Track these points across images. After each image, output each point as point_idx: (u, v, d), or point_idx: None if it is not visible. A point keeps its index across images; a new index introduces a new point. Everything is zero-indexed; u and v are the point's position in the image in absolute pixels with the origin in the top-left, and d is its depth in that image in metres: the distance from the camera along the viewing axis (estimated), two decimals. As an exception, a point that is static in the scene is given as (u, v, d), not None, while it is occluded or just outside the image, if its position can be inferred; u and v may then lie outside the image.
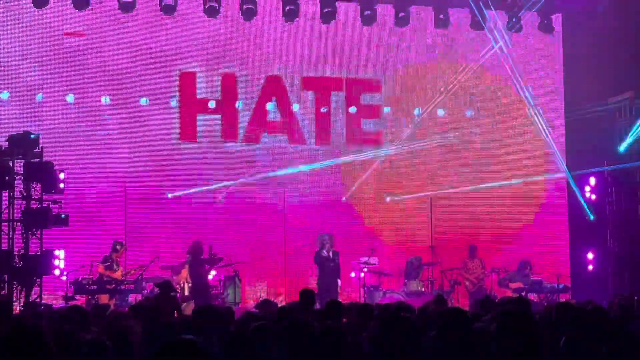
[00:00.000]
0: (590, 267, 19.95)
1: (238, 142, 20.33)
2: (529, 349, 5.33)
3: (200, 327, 7.73)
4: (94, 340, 5.33)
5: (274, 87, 20.53)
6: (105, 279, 17.24)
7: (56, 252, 16.17)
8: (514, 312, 5.83)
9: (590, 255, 20.09)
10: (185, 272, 17.99)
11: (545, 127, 21.07)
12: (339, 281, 18.28)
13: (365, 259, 18.86)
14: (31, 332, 3.96)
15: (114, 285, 17.05)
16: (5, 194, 16.16)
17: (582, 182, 20.50)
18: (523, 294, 17.75)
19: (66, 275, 16.90)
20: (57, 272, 16.42)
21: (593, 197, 20.37)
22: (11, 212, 16.21)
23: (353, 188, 20.70)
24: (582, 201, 20.49)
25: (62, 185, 16.35)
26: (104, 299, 16.81)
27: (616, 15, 19.46)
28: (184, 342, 3.38)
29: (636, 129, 19.91)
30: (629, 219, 20.37)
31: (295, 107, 20.61)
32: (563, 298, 17.35)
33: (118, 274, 17.50)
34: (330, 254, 18.30)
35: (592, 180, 20.33)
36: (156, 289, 16.42)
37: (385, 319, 6.26)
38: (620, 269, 20.09)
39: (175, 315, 12.01)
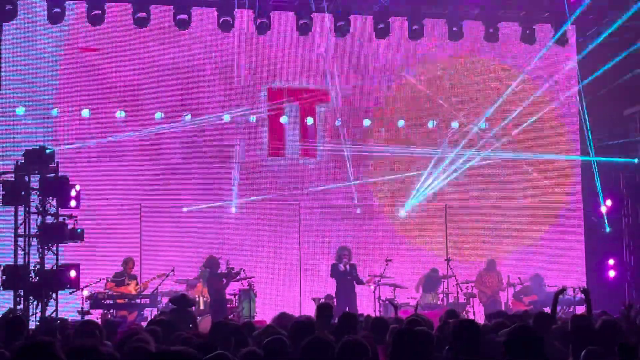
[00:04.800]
0: (612, 272, 19.83)
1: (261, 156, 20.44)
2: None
3: (217, 342, 7.72)
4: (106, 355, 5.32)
5: (288, 100, 20.59)
6: (115, 294, 17.27)
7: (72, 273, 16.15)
8: (523, 327, 5.83)
9: (611, 269, 19.97)
10: (200, 286, 18.02)
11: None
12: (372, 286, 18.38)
13: (380, 271, 18.82)
14: (44, 347, 3.96)
15: (126, 300, 17.08)
16: (21, 208, 16.24)
17: (597, 193, 20.43)
18: (537, 306, 17.70)
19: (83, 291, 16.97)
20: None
21: (608, 202, 20.25)
22: (27, 227, 16.27)
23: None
24: (603, 213, 20.43)
25: (77, 199, 16.39)
26: (123, 313, 16.85)
27: (630, 26, 19.40)
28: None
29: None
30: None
31: (310, 121, 20.64)
32: (579, 310, 17.26)
33: (130, 289, 17.51)
34: (347, 267, 18.32)
35: (607, 192, 20.25)
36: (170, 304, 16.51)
37: (399, 333, 6.25)
38: (636, 281, 19.99)
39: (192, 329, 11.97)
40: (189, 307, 13.27)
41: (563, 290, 10.73)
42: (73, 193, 16.28)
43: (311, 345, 6.35)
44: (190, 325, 12.09)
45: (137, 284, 17.77)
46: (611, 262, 20.01)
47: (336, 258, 18.54)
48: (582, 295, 18.14)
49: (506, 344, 5.36)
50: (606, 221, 20.45)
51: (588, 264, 21.05)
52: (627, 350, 5.99)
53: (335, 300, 18.03)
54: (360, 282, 18.43)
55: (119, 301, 17.05)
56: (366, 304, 18.51)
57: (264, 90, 20.52)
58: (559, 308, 18.54)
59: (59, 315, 15.78)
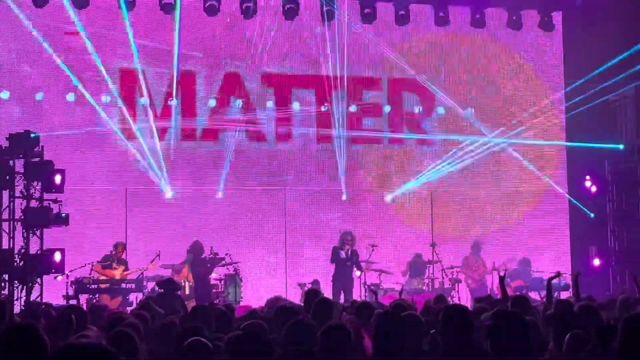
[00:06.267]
0: (597, 261, 19.91)
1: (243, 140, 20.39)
2: (520, 347, 5.37)
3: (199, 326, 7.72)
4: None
5: (272, 85, 20.54)
6: (101, 278, 17.24)
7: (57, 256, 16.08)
8: (504, 311, 5.87)
9: (596, 257, 20.05)
10: (185, 271, 18.03)
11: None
12: (358, 272, 18.42)
13: (365, 257, 18.84)
14: (27, 330, 3.95)
15: (110, 284, 17.05)
16: (5, 193, 16.18)
17: (582, 179, 20.49)
18: (524, 291, 17.76)
19: (68, 274, 16.92)
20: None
21: (593, 188, 20.31)
22: (12, 211, 16.21)
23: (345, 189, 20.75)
24: (583, 199, 20.50)
25: (62, 184, 16.34)
26: (105, 298, 16.81)
27: (616, 11, 19.44)
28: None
29: None
30: (629, 216, 20.39)
31: (296, 106, 20.61)
32: (563, 296, 17.35)
33: (115, 273, 17.48)
34: (349, 253, 18.34)
35: (592, 178, 20.30)
36: (157, 288, 16.52)
37: (383, 317, 6.28)
38: (621, 267, 20.09)
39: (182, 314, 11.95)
40: (176, 291, 13.27)
41: (557, 276, 10.78)
42: (59, 176, 16.21)
43: (295, 328, 6.41)
44: (180, 310, 12.09)
45: (125, 270, 17.71)
46: (596, 252, 20.07)
47: (339, 243, 18.55)
48: (566, 281, 18.34)
49: (489, 328, 5.39)
50: (591, 207, 20.52)
51: (573, 249, 21.14)
52: (604, 331, 6.04)
53: (331, 285, 18.10)
54: (360, 269, 18.45)
55: (102, 286, 17.00)
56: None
57: (251, 75, 20.45)
58: (543, 293, 18.64)
59: (44, 300, 15.76)
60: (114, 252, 17.75)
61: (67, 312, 8.53)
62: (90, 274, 17.31)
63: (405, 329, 6.19)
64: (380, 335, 6.07)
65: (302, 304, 10.34)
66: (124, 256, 17.98)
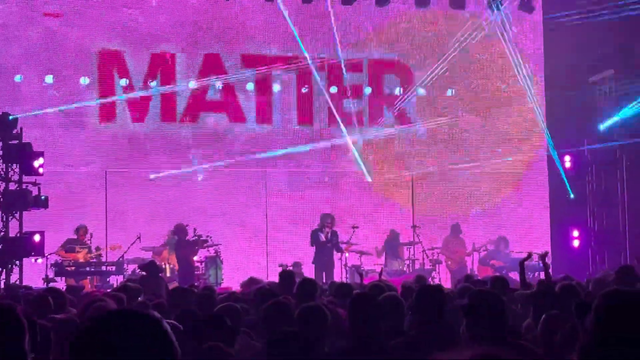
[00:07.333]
0: (577, 242, 20.02)
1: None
2: (496, 328, 5.39)
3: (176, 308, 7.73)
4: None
5: (253, 67, 20.46)
6: (62, 261, 17.14)
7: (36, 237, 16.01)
8: (482, 291, 5.89)
9: (576, 233, 20.17)
10: (166, 253, 18.00)
11: (532, 96, 21.02)
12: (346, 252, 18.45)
13: (346, 238, 18.86)
14: (6, 312, 3.93)
15: (75, 267, 16.96)
16: (-17, 176, 16.09)
17: (562, 160, 20.56)
18: (504, 272, 17.82)
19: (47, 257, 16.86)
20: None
21: (570, 167, 20.41)
22: (-10, 194, 16.14)
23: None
24: (564, 179, 20.57)
25: (41, 166, 16.25)
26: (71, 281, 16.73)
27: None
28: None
29: (624, 111, 19.83)
30: (608, 197, 20.48)
31: (276, 89, 20.55)
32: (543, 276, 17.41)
33: (79, 256, 17.38)
34: (329, 235, 18.35)
35: (571, 158, 20.36)
36: (138, 271, 16.49)
37: (357, 299, 6.31)
38: (600, 247, 20.20)
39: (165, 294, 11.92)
40: (158, 274, 13.23)
41: (528, 257, 10.85)
42: (38, 159, 16.11)
43: (272, 308, 6.43)
44: (163, 292, 12.06)
45: (88, 252, 17.61)
46: (575, 233, 20.17)
47: (319, 225, 18.55)
48: (548, 262, 18.42)
49: (466, 307, 5.40)
50: (570, 187, 20.60)
51: (553, 230, 21.22)
52: (583, 308, 6.08)
53: (313, 267, 18.12)
54: (339, 250, 18.47)
55: (68, 268, 16.91)
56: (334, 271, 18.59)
57: (232, 57, 20.38)
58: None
59: (24, 283, 15.69)
60: (77, 236, 17.68)
61: (45, 294, 8.49)
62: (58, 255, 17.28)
63: (380, 310, 6.19)
64: (355, 317, 6.08)
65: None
66: (95, 239, 17.88)
